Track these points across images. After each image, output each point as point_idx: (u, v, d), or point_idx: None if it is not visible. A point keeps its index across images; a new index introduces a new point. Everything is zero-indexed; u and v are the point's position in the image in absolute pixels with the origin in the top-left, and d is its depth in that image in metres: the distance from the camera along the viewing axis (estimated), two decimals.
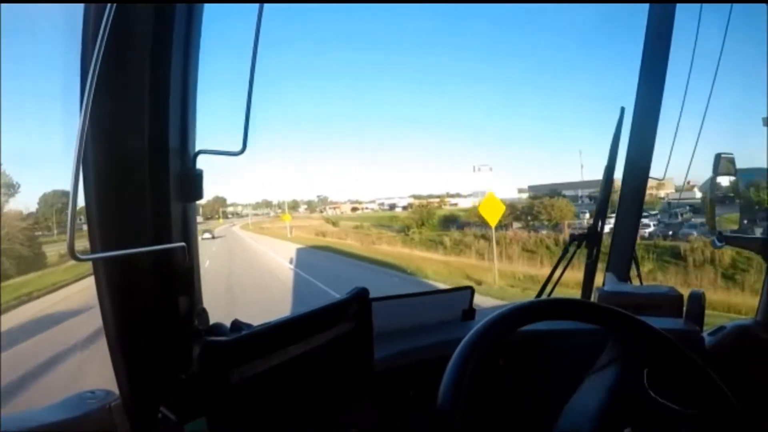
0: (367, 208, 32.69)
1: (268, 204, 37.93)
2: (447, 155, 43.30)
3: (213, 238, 24.17)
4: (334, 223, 29.26)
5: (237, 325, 0.70)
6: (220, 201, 35.86)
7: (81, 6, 0.61)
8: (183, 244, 0.68)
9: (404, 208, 30.21)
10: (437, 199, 28.83)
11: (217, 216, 34.93)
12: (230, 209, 37.19)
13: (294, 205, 36.20)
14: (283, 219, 29.69)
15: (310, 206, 34.84)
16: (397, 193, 32.52)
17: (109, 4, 0.52)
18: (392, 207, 31.38)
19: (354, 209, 32.93)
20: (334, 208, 33.42)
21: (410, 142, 43.42)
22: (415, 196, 30.89)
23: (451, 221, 23.07)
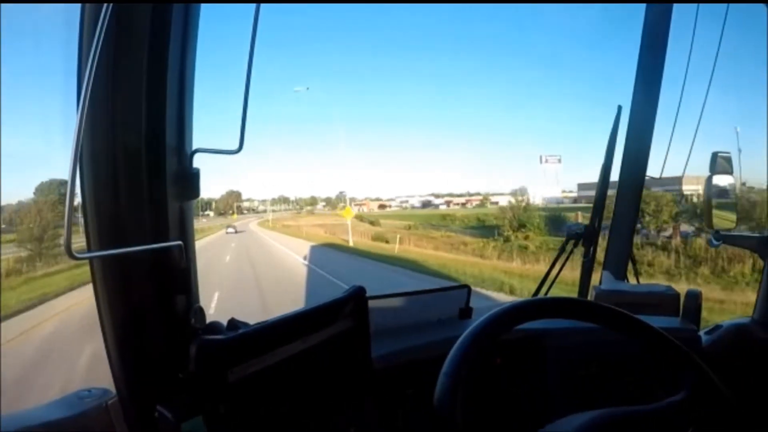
0: (390, 206, 31.37)
1: (285, 200, 36.45)
2: (463, 155, 43.20)
3: (236, 232, 23.01)
4: (373, 223, 25.68)
5: (234, 323, 0.70)
6: (234, 195, 34.16)
7: (78, 6, 0.61)
8: (180, 242, 0.68)
9: (446, 204, 28.42)
10: (465, 198, 27.07)
11: (231, 212, 32.52)
12: (246, 204, 35.45)
13: (312, 202, 34.59)
14: (343, 215, 22.86)
15: (330, 203, 32.93)
16: (416, 192, 31.37)
17: (105, 4, 0.52)
18: (425, 205, 29.66)
19: (381, 206, 31.16)
20: (360, 206, 31.06)
21: (428, 141, 43.45)
22: (434, 195, 29.91)
23: (560, 222, 18.57)
